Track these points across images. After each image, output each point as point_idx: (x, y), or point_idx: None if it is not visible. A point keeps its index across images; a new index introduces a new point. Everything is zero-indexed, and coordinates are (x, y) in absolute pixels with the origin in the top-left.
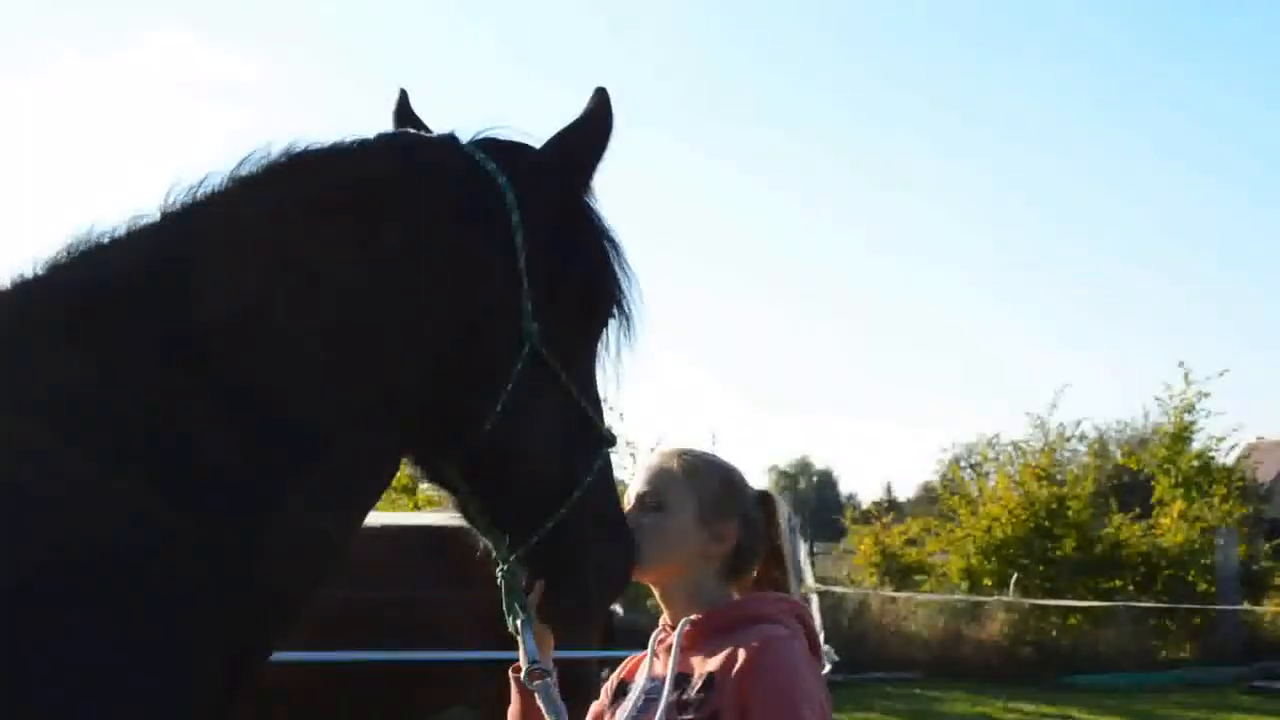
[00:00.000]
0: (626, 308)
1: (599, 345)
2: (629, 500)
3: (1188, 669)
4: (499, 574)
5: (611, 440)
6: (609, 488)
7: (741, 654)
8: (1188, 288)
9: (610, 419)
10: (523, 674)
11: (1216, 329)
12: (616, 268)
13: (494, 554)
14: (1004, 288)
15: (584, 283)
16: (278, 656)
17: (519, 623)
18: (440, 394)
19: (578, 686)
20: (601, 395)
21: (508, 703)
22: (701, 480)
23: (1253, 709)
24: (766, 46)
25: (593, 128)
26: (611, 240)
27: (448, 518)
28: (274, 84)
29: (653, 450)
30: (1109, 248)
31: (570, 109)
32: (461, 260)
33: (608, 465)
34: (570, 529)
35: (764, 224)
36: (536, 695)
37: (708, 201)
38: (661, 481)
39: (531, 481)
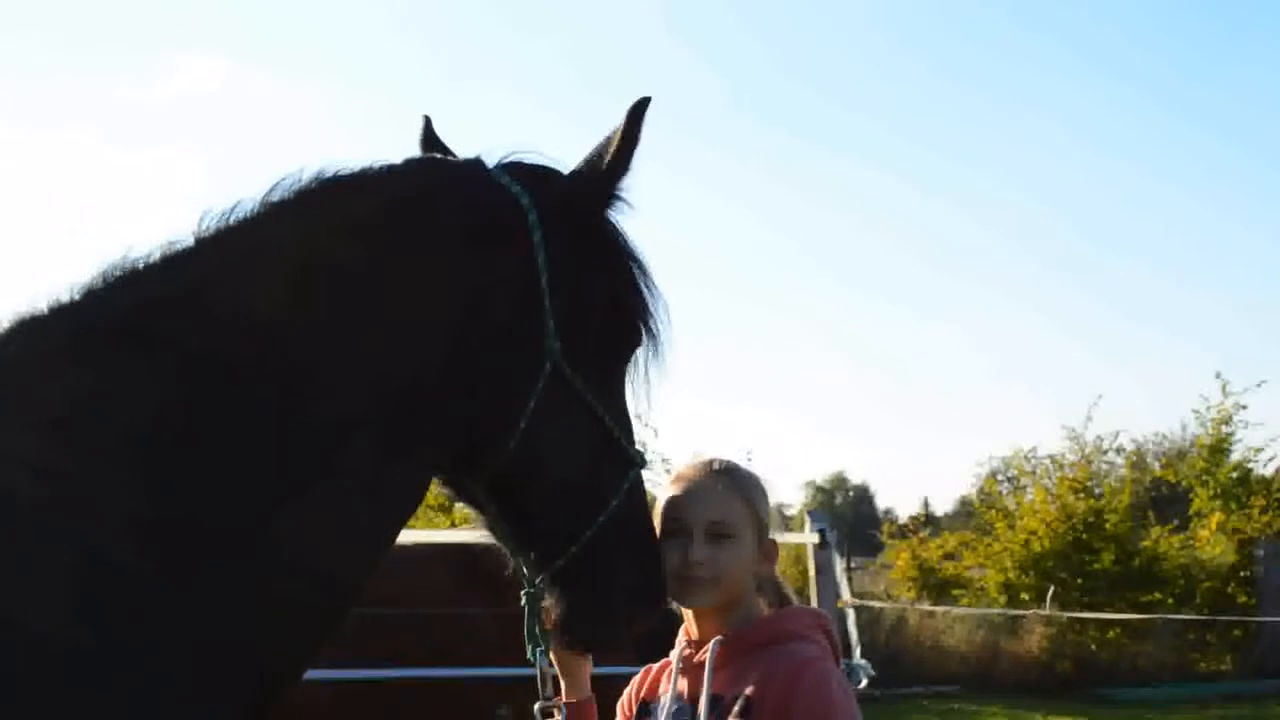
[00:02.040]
0: (653, 327)
1: (628, 365)
2: (690, 525)
3: (1227, 682)
4: (524, 596)
5: (641, 462)
6: (640, 510)
7: (779, 678)
8: (1224, 299)
9: (644, 436)
10: (535, 709)
11: (1253, 340)
12: (642, 287)
13: (523, 575)
14: (1039, 299)
15: (608, 302)
16: (311, 674)
17: (537, 651)
18: (465, 412)
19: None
20: (634, 416)
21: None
22: (756, 501)
23: None
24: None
25: (618, 149)
26: (637, 260)
27: (483, 535)
28: (300, 105)
29: (690, 465)
30: (1144, 259)
31: (578, 134)
32: (484, 280)
33: (639, 487)
34: (599, 551)
35: (793, 234)
36: None
37: (741, 213)
38: (728, 509)
39: (556, 502)
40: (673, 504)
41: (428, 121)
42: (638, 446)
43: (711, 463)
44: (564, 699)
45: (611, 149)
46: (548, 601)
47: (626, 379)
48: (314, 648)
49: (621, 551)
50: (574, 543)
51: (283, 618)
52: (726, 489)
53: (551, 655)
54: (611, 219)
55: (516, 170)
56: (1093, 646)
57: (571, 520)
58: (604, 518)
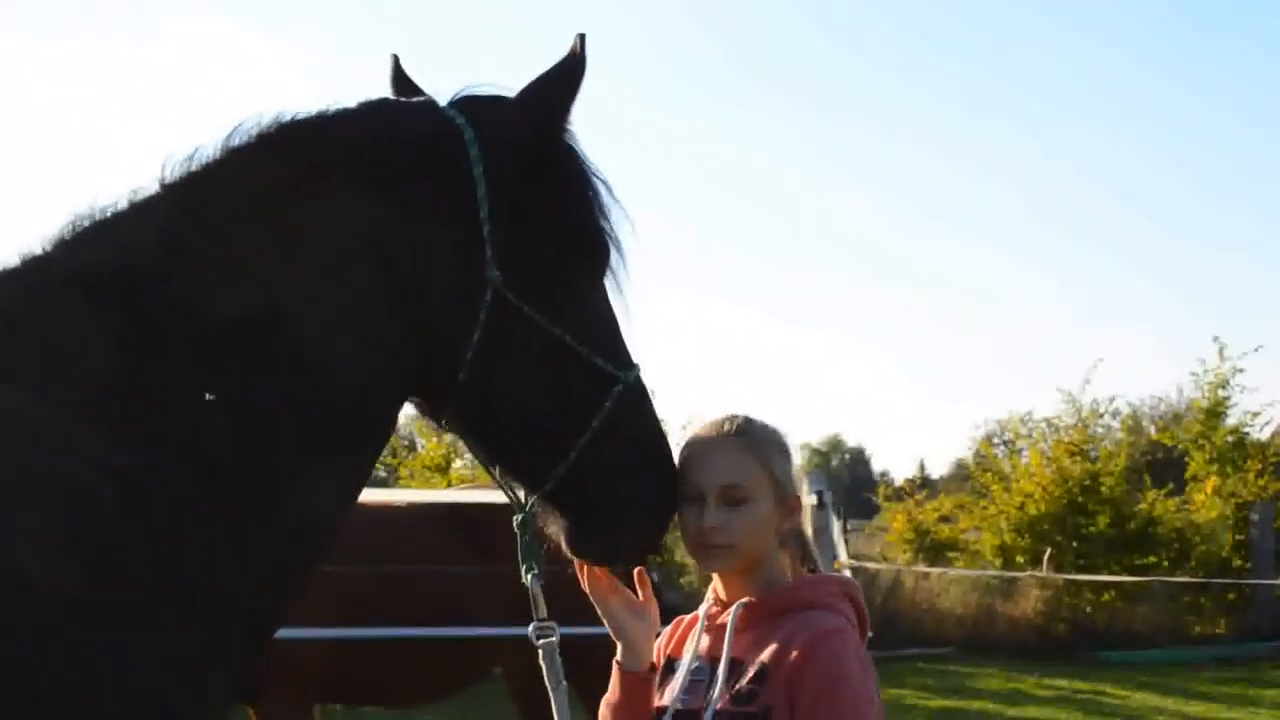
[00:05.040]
0: (612, 244)
1: (601, 284)
2: (703, 491)
3: (1222, 645)
4: (515, 523)
5: (625, 377)
6: (639, 420)
7: (794, 648)
8: (1223, 263)
9: (636, 360)
10: (529, 630)
11: (1252, 304)
12: (595, 207)
13: (513, 499)
14: (1037, 262)
15: (553, 224)
16: (313, 633)
17: (530, 576)
18: (423, 350)
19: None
20: (623, 334)
21: (532, 675)
22: (771, 457)
23: None
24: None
25: (562, 74)
26: (588, 179)
27: (481, 495)
28: (306, 68)
29: (702, 426)
30: (1144, 223)
31: (619, 84)
32: (426, 216)
33: (631, 398)
34: (591, 470)
35: (793, 189)
36: (540, 654)
37: (729, 166)
38: (742, 470)
39: (521, 426)
40: (685, 469)
41: (395, 61)
42: (618, 360)
43: (723, 423)
44: (617, 659)
45: (555, 75)
46: (545, 524)
47: (602, 298)
48: (293, 598)
49: (617, 467)
50: (558, 465)
51: (272, 570)
52: (739, 451)
53: (606, 621)
54: (562, 139)
55: (466, 104)
56: (1088, 609)
57: (547, 444)
58: (587, 438)
